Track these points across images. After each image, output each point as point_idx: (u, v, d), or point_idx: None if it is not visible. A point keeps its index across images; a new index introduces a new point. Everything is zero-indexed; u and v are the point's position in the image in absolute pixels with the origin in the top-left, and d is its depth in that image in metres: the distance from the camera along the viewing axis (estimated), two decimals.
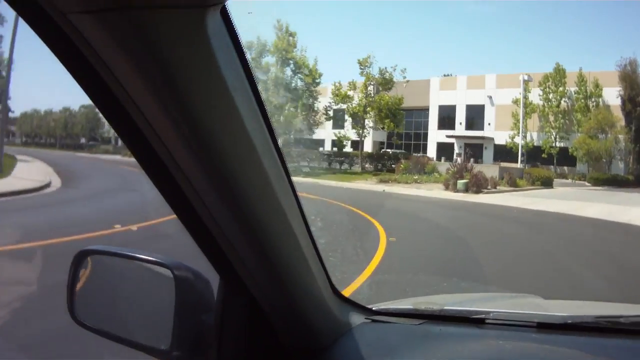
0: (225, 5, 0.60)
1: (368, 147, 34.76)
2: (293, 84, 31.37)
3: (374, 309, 1.18)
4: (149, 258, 0.92)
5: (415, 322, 1.13)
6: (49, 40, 0.59)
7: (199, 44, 0.57)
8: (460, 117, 36.56)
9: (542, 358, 0.94)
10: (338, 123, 35.06)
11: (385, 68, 31.22)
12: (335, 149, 35.03)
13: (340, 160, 32.08)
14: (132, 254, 0.96)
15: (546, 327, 1.06)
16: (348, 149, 35.00)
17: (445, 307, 1.21)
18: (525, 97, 32.53)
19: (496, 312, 1.13)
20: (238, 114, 0.65)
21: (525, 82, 32.38)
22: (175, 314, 0.86)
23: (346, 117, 33.70)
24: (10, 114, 48.07)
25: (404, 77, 31.23)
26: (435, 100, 37.26)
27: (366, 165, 30.85)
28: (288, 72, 31.54)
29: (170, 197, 0.75)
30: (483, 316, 1.11)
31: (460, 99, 36.51)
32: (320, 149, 35.87)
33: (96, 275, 0.97)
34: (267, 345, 0.95)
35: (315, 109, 32.55)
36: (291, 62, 31.02)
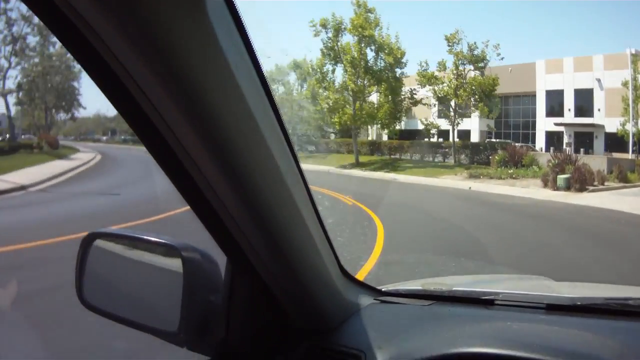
0: None
1: (475, 137, 30.50)
2: (375, 67, 26.59)
3: (383, 290, 1.18)
4: (157, 240, 0.93)
5: (424, 303, 1.13)
6: (53, 25, 0.59)
7: (199, 24, 0.57)
8: (569, 102, 32.81)
9: (551, 339, 0.92)
10: (425, 110, 29.40)
11: (475, 43, 25.72)
12: (426, 139, 29.70)
13: (434, 151, 27.61)
14: (140, 236, 0.97)
15: (555, 308, 1.06)
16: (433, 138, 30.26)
17: (454, 288, 1.21)
18: (635, 79, 27.59)
19: (505, 293, 1.14)
20: (241, 94, 0.65)
21: (634, 58, 27.49)
22: (183, 295, 0.86)
23: (433, 101, 28.14)
24: (106, 113, 53.21)
25: (498, 55, 25.88)
26: (542, 85, 33.59)
27: (461, 157, 26.44)
28: (368, 53, 26.48)
29: (176, 179, 0.75)
30: (492, 297, 1.12)
31: (568, 83, 32.82)
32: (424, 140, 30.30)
33: (104, 258, 0.98)
34: (276, 325, 0.96)
35: (403, 94, 27.34)
36: (370, 40, 25.95)
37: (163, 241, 0.91)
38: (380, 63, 26.60)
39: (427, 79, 26.40)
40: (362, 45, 25.73)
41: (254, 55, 0.68)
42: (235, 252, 0.86)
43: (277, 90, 32.07)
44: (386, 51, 26.06)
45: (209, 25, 0.57)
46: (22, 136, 34.62)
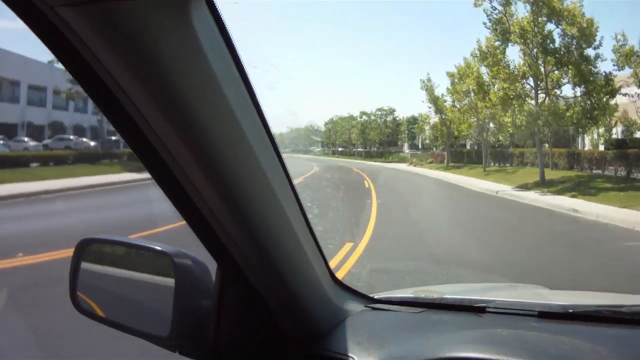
0: None
1: None
2: (555, 45, 16.88)
3: (375, 297, 1.19)
4: (149, 246, 0.94)
5: (415, 310, 1.13)
6: (45, 37, 0.60)
7: (184, 34, 0.58)
8: None
9: (542, 345, 0.93)
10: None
11: None
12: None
13: None
14: (133, 242, 0.99)
15: (547, 316, 1.06)
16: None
17: (445, 296, 1.21)
18: None
19: (497, 301, 1.13)
20: (227, 102, 0.66)
21: None
22: (174, 300, 0.87)
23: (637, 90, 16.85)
24: (314, 126, 55.26)
25: None
26: None
27: None
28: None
29: (165, 185, 0.77)
30: (484, 305, 1.11)
31: None
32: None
33: (98, 264, 1.00)
34: (266, 331, 0.96)
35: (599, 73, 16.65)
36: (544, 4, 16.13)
37: (155, 247, 0.93)
38: (560, 40, 16.92)
39: (626, 57, 16.06)
40: (535, 12, 16.60)
41: (240, 66, 0.69)
42: (225, 258, 0.87)
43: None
44: (568, 20, 16.41)
45: (195, 37, 0.59)
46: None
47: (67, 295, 0.97)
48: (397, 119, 45.26)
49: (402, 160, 37.30)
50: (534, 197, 13.28)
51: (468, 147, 29.30)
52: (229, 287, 0.92)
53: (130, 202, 11.60)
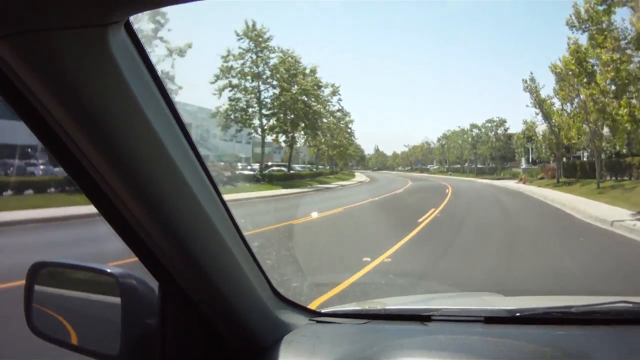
0: (129, 20, 0.65)
1: None
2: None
3: (321, 311, 1.19)
4: (95, 267, 0.98)
5: (359, 322, 1.13)
6: None
7: (103, 60, 0.62)
8: None
9: (486, 349, 0.92)
10: None
11: None
12: None
13: None
14: (81, 265, 1.03)
15: (494, 321, 1.06)
16: None
17: (389, 307, 1.25)
18: None
19: (442, 309, 1.14)
20: (148, 122, 0.69)
21: None
22: (122, 320, 0.91)
23: None
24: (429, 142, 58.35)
25: None
26: None
27: None
28: None
29: (101, 206, 0.79)
30: (429, 314, 1.12)
31: None
32: None
33: (50, 287, 1.03)
34: (210, 345, 0.98)
35: None
36: None
37: (101, 268, 0.97)
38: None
39: None
40: None
41: (161, 85, 0.73)
42: (163, 276, 0.89)
43: None
44: None
45: (113, 60, 0.62)
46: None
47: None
48: (509, 131, 40.40)
49: (514, 176, 33.46)
50: None
51: (585, 158, 24.29)
52: (170, 304, 0.94)
53: None
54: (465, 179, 36.78)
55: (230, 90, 26.20)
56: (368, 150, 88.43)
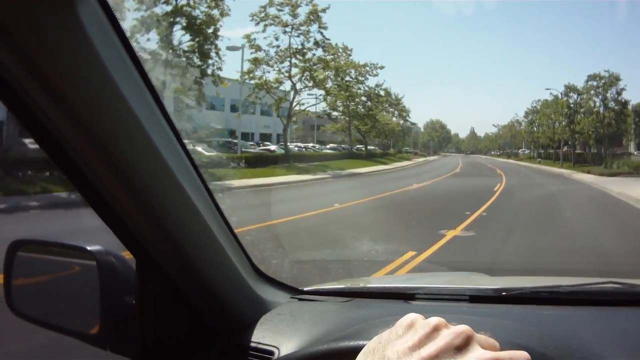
0: None
1: None
2: None
3: (304, 289, 1.18)
4: (74, 245, 0.96)
5: (343, 300, 1.13)
6: None
7: (72, 29, 0.61)
8: None
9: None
10: None
11: None
12: None
13: None
14: (59, 242, 1.01)
15: (479, 300, 1.05)
16: None
17: (372, 285, 1.25)
18: None
19: (427, 287, 1.14)
20: (119, 91, 0.68)
21: None
22: (100, 298, 0.89)
23: None
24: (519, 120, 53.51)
25: None
26: None
27: None
28: None
29: (74, 179, 0.78)
30: (413, 292, 1.11)
31: None
32: None
33: (29, 265, 1.02)
34: (189, 322, 0.97)
35: None
36: None
37: (78, 246, 0.95)
38: None
39: None
40: None
41: (132, 53, 0.71)
42: (140, 251, 0.88)
43: None
44: None
45: (84, 32, 0.61)
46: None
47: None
48: (624, 97, 27.37)
49: (636, 170, 22.35)
50: None
51: None
52: (147, 281, 0.92)
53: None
54: (557, 173, 24.98)
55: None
56: (463, 133, 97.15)
